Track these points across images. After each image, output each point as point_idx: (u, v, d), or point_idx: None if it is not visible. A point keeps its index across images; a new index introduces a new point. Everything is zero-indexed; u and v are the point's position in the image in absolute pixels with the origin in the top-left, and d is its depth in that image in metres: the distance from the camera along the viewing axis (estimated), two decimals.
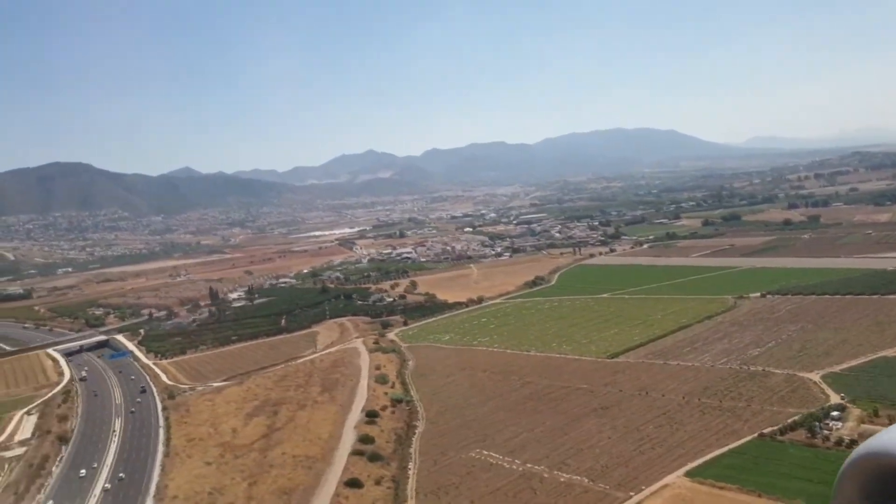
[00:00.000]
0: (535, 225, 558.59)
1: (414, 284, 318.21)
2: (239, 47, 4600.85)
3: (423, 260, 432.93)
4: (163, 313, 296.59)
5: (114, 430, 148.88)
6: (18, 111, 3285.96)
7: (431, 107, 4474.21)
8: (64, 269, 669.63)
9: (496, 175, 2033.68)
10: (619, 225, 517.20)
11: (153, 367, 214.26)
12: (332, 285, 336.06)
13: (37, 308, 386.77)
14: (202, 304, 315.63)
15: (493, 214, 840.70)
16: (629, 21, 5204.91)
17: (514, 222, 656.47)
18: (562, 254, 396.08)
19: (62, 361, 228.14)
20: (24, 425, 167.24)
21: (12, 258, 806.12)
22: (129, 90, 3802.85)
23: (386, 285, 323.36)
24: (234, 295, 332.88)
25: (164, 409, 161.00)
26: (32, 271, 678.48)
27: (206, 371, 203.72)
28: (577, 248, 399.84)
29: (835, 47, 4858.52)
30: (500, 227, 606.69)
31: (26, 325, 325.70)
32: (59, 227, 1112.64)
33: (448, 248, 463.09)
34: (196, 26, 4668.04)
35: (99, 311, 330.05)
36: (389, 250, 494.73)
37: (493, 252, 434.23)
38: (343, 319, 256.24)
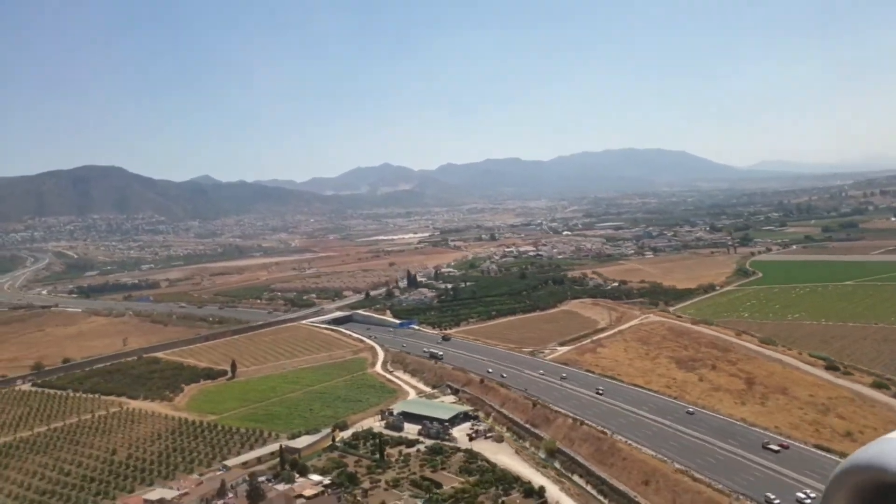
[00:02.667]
0: (649, 229, 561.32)
1: (599, 275, 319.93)
2: (258, 61, 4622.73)
3: (559, 257, 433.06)
4: (380, 291, 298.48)
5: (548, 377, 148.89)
6: (49, 114, 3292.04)
7: (446, 122, 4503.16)
8: (148, 266, 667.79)
9: (514, 190, 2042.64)
10: (730, 230, 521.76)
11: (443, 333, 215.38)
12: (494, 274, 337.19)
13: (193, 293, 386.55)
14: (400, 285, 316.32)
15: (554, 223, 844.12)
16: (642, 46, 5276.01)
17: (599, 228, 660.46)
18: (712, 252, 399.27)
19: (345, 330, 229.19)
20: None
21: (75, 256, 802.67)
22: (155, 98, 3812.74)
23: (576, 274, 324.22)
24: (421, 280, 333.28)
25: (565, 363, 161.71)
26: (108, 267, 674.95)
27: (513, 338, 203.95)
28: (729, 248, 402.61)
29: (840, 77, 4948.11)
30: (599, 231, 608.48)
31: (182, 306, 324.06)
32: (99, 228, 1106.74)
33: (582, 247, 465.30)
34: (216, 41, 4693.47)
35: (284, 295, 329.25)
36: (511, 249, 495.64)
37: (631, 251, 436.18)
38: (587, 300, 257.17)
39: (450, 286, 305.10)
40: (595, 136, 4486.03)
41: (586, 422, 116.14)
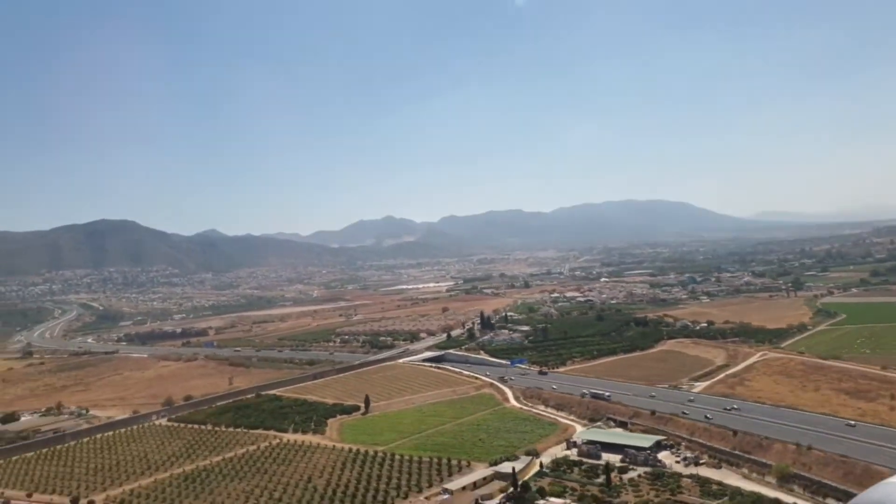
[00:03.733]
0: (687, 275, 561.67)
1: (673, 317, 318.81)
2: (260, 114, 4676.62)
3: (612, 301, 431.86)
4: (461, 332, 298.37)
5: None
6: (59, 170, 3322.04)
7: (446, 175, 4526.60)
8: (180, 316, 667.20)
9: (519, 241, 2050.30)
10: (773, 276, 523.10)
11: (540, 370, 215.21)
12: (556, 318, 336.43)
13: (252, 339, 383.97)
14: (475, 327, 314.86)
15: (576, 271, 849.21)
16: (640, 99, 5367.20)
17: (630, 275, 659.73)
18: (770, 296, 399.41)
19: (452, 368, 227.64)
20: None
21: (100, 308, 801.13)
22: (162, 155, 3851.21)
23: (652, 316, 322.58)
24: (493, 323, 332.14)
25: (722, 396, 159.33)
26: (139, 318, 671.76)
27: (634, 375, 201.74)
28: (788, 292, 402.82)
29: (835, 128, 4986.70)
30: (637, 278, 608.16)
31: (236, 350, 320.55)
32: (115, 281, 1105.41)
33: (633, 292, 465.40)
34: (218, 97, 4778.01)
35: (355, 337, 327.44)
36: (557, 294, 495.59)
37: (683, 296, 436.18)
38: (684, 340, 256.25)
39: (529, 328, 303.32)
40: (595, 188, 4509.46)
41: (814, 447, 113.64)
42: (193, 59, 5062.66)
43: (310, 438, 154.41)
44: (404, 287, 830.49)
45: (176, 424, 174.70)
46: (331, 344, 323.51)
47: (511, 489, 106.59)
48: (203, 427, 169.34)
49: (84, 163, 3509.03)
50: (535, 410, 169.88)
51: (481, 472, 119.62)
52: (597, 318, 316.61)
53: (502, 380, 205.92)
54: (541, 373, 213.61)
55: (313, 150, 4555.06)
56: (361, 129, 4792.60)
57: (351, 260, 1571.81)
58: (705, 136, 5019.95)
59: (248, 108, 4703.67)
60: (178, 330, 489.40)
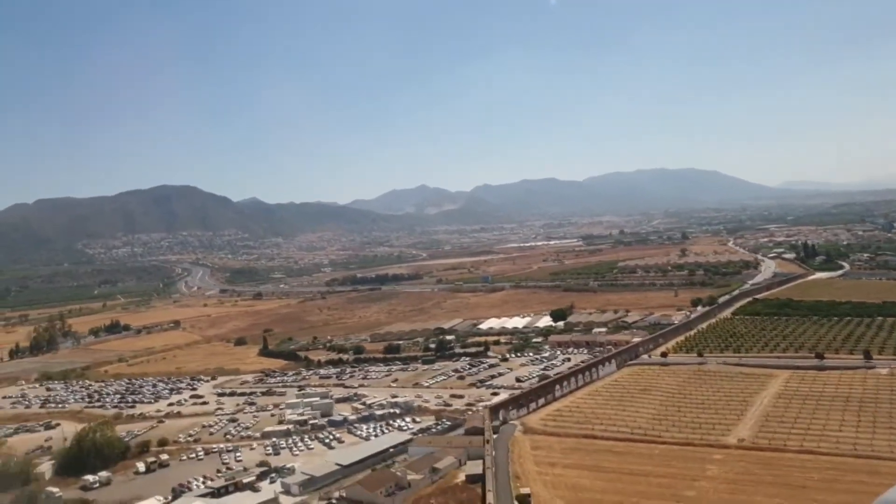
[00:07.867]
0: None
1: None
2: (293, 87, 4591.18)
3: (844, 243, 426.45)
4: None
5: None
6: (113, 136, 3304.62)
7: (477, 144, 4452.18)
8: (326, 268, 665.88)
9: (560, 209, 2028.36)
10: None
11: None
12: None
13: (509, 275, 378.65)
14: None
15: (691, 230, 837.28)
16: (671, 68, 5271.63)
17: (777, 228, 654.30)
18: None
19: None
20: None
21: (209, 265, 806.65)
22: (207, 127, 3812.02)
23: None
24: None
25: None
26: (278, 274, 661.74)
27: None
28: None
29: (867, 95, 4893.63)
30: (802, 228, 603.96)
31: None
32: (192, 244, 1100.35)
33: (860, 234, 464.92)
34: (253, 71, 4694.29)
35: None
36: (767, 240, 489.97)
37: None
38: None
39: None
40: (625, 156, 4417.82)
41: None
42: (230, 31, 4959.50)
43: None
44: (521, 245, 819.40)
45: (742, 317, 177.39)
46: (637, 274, 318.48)
47: None
48: (777, 317, 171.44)
49: (133, 130, 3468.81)
50: None
51: None
52: None
53: None
54: None
55: (347, 117, 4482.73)
56: (398, 99, 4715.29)
57: (405, 226, 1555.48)
58: (735, 103, 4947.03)
59: (283, 79, 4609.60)
60: (373, 275, 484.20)
